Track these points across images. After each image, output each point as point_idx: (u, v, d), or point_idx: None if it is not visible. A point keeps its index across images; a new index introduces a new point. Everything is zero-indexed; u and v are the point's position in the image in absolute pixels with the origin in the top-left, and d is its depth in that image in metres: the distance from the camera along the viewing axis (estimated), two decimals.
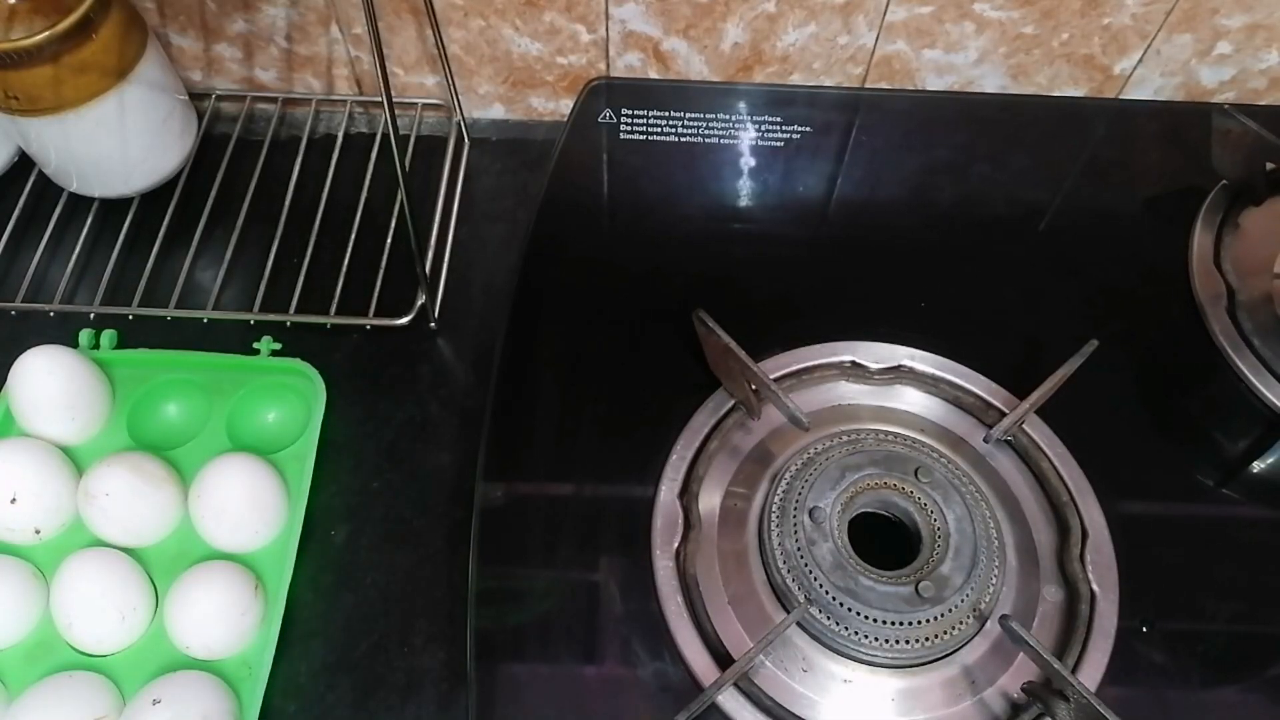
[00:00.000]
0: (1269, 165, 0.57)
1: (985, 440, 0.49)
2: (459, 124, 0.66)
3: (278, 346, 0.55)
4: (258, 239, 0.60)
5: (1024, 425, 0.49)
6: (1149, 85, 0.66)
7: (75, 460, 0.51)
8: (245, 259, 0.60)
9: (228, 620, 0.46)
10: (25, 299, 0.58)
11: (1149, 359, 0.53)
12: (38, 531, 0.49)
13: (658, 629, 0.44)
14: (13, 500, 0.48)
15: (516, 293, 0.55)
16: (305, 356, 0.54)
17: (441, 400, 0.55)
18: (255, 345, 0.54)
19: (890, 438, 0.48)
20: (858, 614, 0.42)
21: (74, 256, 0.60)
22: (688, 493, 0.48)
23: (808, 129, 0.62)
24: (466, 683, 0.44)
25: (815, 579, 0.43)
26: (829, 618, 0.42)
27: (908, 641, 0.42)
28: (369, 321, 0.57)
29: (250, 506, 0.48)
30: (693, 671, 0.43)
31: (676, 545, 0.46)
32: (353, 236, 0.60)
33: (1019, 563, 0.46)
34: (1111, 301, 0.55)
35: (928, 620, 0.42)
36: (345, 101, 0.67)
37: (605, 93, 0.64)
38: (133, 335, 0.56)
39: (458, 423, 0.54)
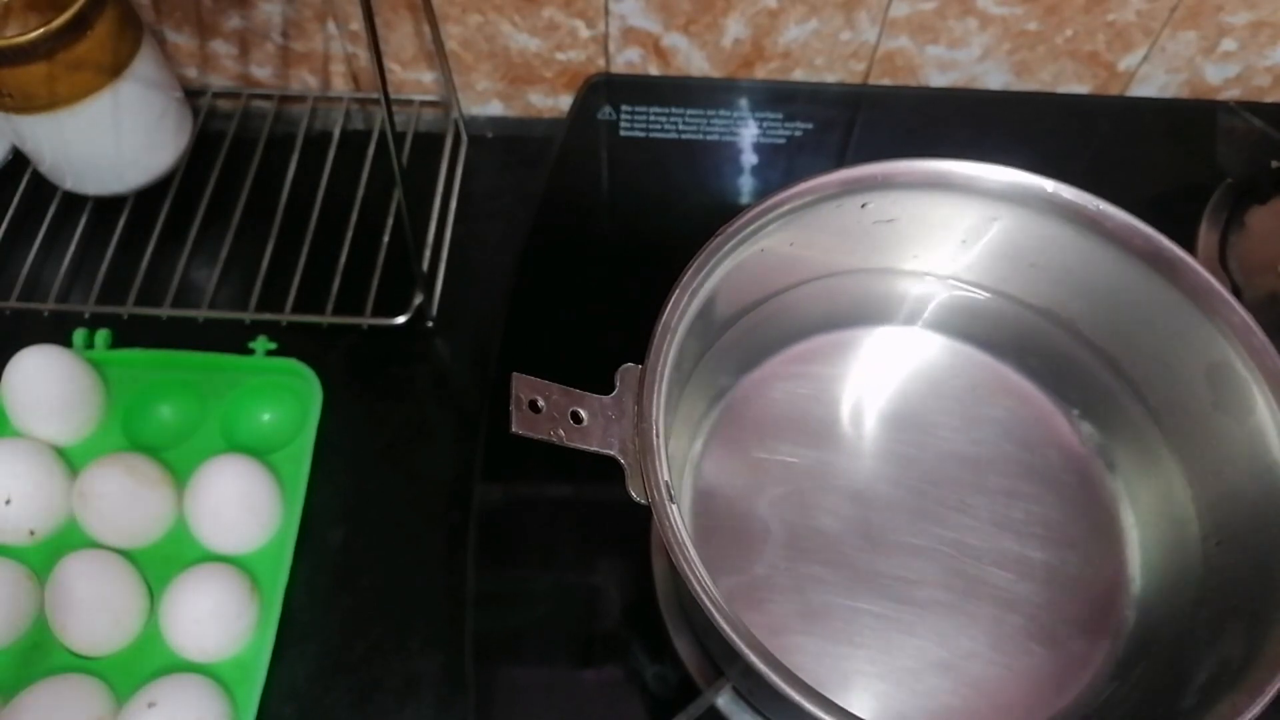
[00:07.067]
0: (1274, 163, 0.56)
1: None
2: (457, 121, 0.66)
3: (273, 346, 0.54)
4: (253, 238, 0.60)
5: None
6: (1154, 82, 0.65)
7: (70, 461, 0.50)
8: (241, 258, 0.59)
9: (223, 623, 0.45)
10: (19, 298, 0.58)
11: None
12: (32, 533, 0.49)
13: (657, 631, 0.44)
14: (7, 502, 0.47)
15: (515, 291, 0.55)
16: (301, 356, 0.54)
17: (439, 400, 0.55)
18: (250, 345, 0.54)
19: None
20: None
21: (68, 255, 0.59)
22: None
23: (809, 126, 0.62)
24: (465, 686, 0.44)
25: None
26: None
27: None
28: (366, 321, 0.57)
29: (245, 508, 0.48)
30: (691, 674, 0.43)
31: None
32: (349, 235, 0.60)
33: None
34: None
35: None
36: (342, 99, 0.66)
37: (605, 89, 0.64)
38: (127, 335, 0.55)
39: (456, 423, 0.54)
